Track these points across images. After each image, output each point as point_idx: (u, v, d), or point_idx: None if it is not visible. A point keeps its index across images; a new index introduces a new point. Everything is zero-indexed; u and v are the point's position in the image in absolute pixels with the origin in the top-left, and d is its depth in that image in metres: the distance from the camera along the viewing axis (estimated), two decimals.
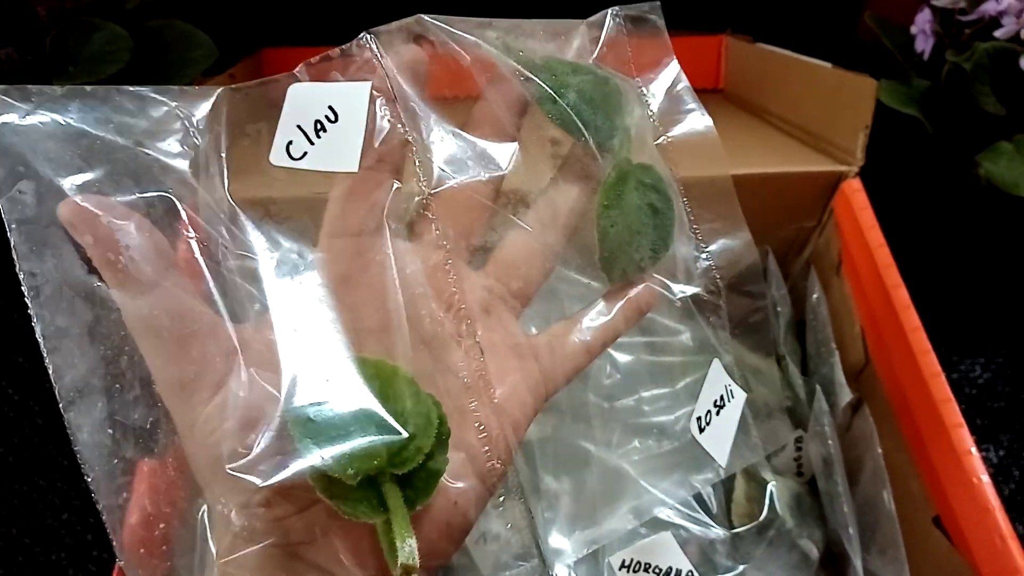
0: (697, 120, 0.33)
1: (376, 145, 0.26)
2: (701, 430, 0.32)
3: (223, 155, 0.26)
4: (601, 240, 0.30)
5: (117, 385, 0.23)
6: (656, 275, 0.32)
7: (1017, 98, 0.48)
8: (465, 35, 0.29)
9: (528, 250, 0.30)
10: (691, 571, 0.35)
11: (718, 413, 0.33)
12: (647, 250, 0.31)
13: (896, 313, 0.40)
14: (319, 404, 0.23)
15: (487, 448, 0.26)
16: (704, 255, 0.33)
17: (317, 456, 0.22)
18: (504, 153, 0.29)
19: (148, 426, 0.24)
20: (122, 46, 0.46)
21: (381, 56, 0.27)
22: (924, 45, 0.51)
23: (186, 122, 0.26)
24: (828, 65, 0.49)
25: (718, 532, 0.38)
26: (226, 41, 0.49)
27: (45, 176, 0.23)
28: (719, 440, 0.32)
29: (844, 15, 0.65)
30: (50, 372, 0.22)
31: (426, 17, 0.28)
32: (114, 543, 0.23)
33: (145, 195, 0.24)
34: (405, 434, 0.23)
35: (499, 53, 0.29)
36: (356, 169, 0.26)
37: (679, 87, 0.34)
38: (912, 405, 0.38)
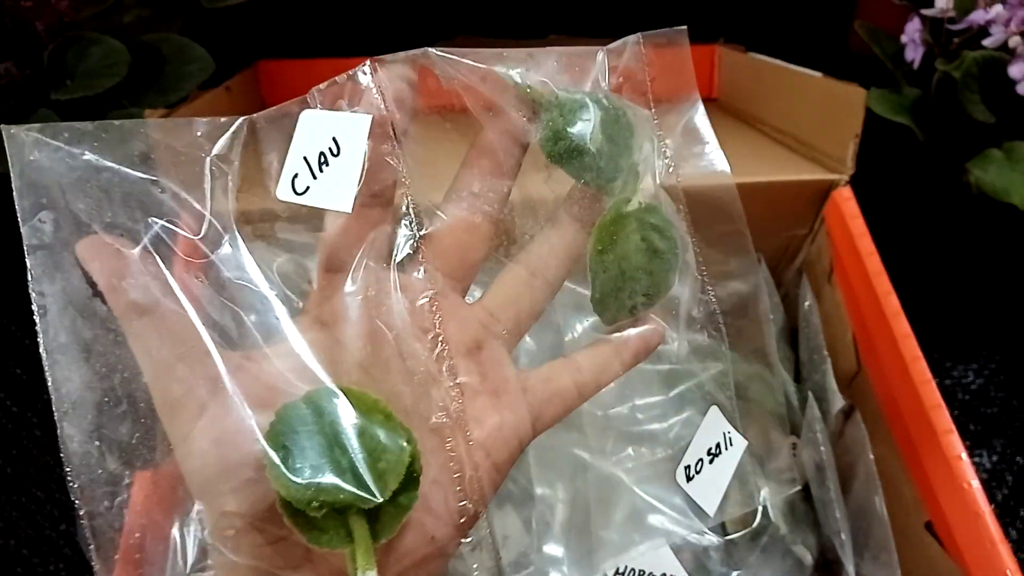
0: (712, 159, 0.32)
1: (372, 184, 0.26)
2: (689, 479, 0.31)
3: (234, 190, 0.28)
4: (592, 283, 0.30)
5: (107, 400, 0.25)
6: (655, 316, 0.31)
7: (1006, 106, 0.49)
8: (472, 69, 0.28)
9: (519, 289, 0.30)
10: None
11: (711, 462, 0.32)
12: (640, 296, 0.30)
13: (887, 320, 0.40)
14: (295, 434, 0.23)
15: (459, 488, 0.26)
16: (710, 297, 0.33)
17: (285, 486, 0.22)
18: (500, 191, 0.29)
19: (133, 441, 0.25)
20: (119, 60, 0.46)
21: (382, 86, 0.27)
22: (914, 54, 0.52)
23: (204, 154, 0.27)
24: (819, 75, 0.49)
25: (712, 539, 0.38)
26: (222, 54, 0.50)
27: (64, 207, 0.25)
28: (709, 489, 0.32)
29: (835, 25, 0.66)
30: (49, 383, 0.24)
31: (433, 50, 0.28)
32: (90, 548, 0.25)
33: (153, 224, 0.26)
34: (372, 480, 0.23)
35: (507, 87, 0.29)
36: (350, 209, 0.26)
37: (697, 122, 0.33)
38: (903, 411, 0.39)
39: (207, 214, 0.27)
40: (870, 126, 0.45)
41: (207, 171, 0.27)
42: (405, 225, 0.28)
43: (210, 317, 0.26)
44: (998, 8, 0.48)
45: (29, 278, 0.24)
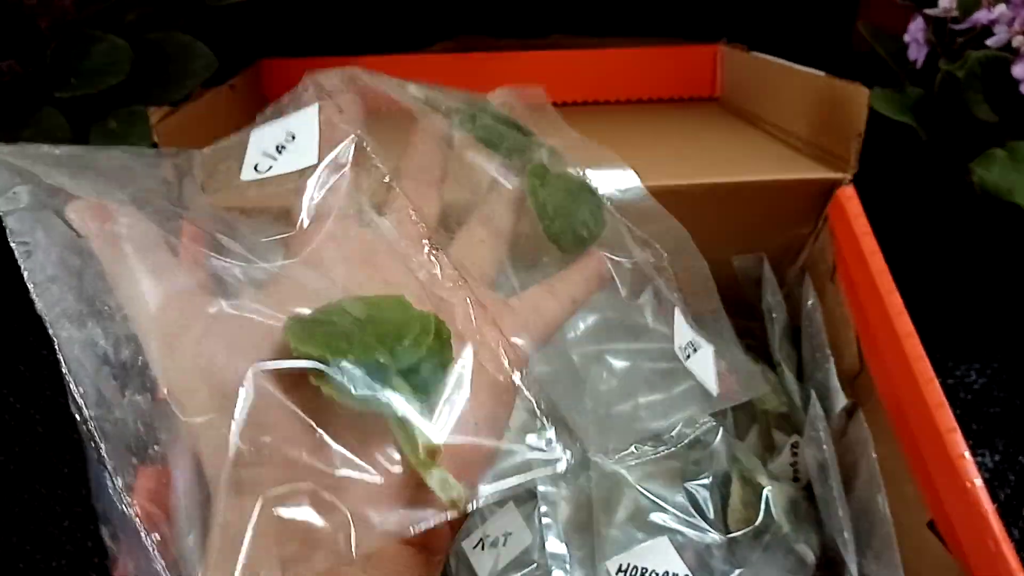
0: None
1: (331, 144, 0.29)
2: (687, 357, 0.34)
3: (200, 182, 0.30)
4: (541, 212, 0.33)
5: (107, 308, 0.24)
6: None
7: (1009, 105, 0.49)
8: (392, 87, 0.33)
9: (475, 242, 0.31)
10: None
11: (695, 351, 0.35)
12: (588, 216, 0.33)
13: (890, 319, 0.40)
14: (315, 321, 0.23)
15: (501, 353, 0.26)
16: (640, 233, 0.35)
17: (315, 350, 0.22)
18: (440, 165, 0.33)
19: (133, 339, 0.25)
20: (122, 58, 0.46)
21: (324, 85, 0.31)
22: (917, 54, 0.52)
23: (169, 160, 0.29)
24: (821, 74, 0.49)
25: (714, 537, 0.38)
26: (225, 52, 0.50)
27: (39, 180, 0.25)
28: (706, 370, 0.35)
29: (838, 24, 0.66)
30: (38, 307, 0.23)
31: (358, 69, 0.33)
32: (102, 449, 0.23)
33: (136, 196, 0.27)
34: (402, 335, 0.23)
35: (422, 100, 0.34)
36: (316, 160, 0.28)
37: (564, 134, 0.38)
38: (906, 410, 0.39)
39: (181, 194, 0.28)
40: (873, 125, 0.45)
41: (173, 173, 0.29)
42: (374, 170, 0.30)
43: (197, 264, 0.26)
44: (1001, 8, 0.48)
45: (9, 236, 0.24)
